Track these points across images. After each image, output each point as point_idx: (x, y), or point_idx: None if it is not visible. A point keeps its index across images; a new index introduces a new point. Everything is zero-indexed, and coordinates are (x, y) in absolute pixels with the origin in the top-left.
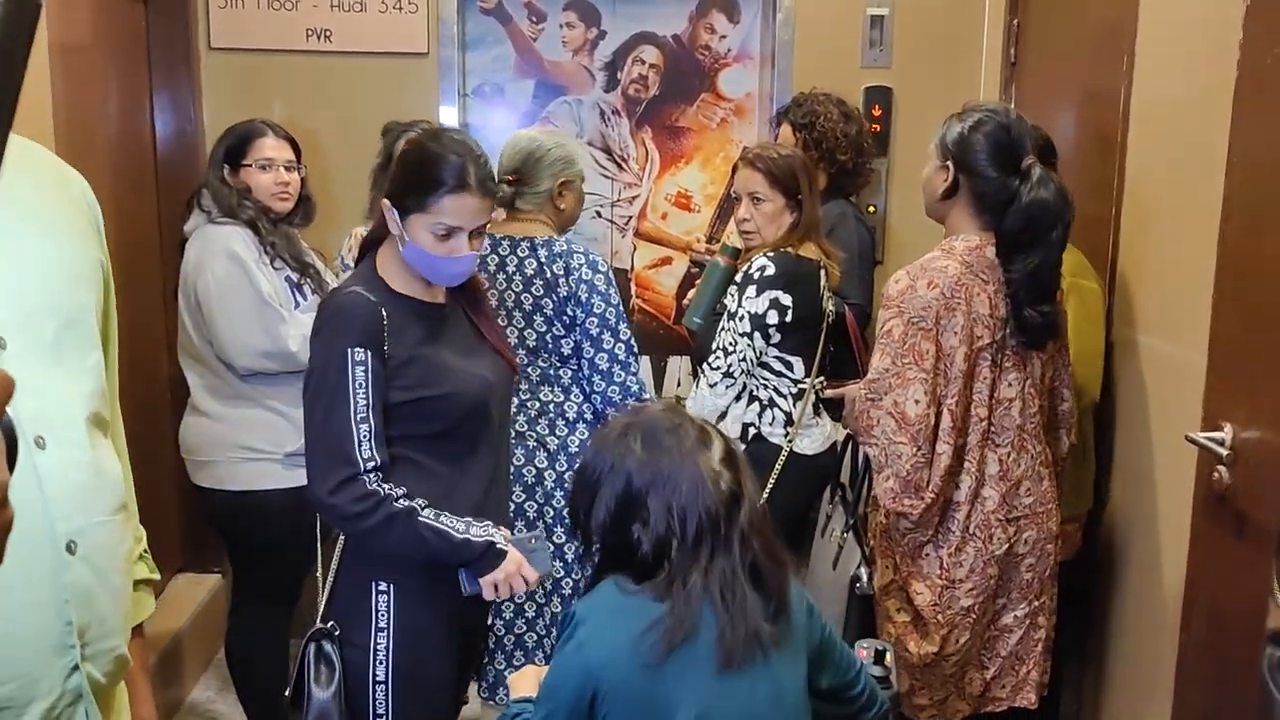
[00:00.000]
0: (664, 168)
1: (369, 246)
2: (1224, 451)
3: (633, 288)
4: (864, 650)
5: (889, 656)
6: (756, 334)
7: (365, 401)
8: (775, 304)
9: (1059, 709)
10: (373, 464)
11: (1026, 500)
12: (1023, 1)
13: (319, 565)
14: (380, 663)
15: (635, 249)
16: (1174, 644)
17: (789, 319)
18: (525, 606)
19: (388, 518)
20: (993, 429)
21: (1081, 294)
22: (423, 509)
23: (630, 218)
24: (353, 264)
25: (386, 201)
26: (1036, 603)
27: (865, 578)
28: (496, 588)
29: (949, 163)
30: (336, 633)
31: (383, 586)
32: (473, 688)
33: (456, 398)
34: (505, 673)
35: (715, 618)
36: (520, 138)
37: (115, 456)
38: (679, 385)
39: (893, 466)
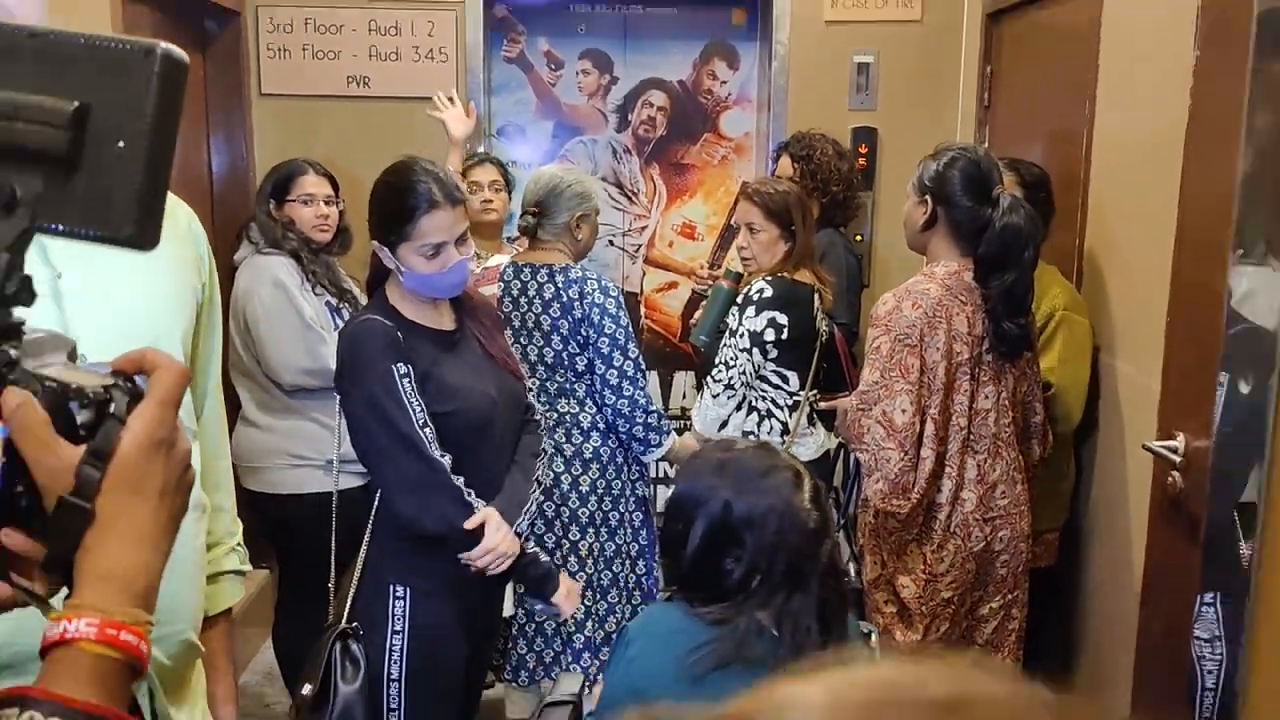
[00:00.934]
0: (671, 200)
1: (373, 285)
2: (1177, 459)
3: (642, 309)
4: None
5: (874, 638)
6: (755, 350)
7: (420, 408)
8: (772, 323)
9: None
10: (448, 461)
11: (1001, 502)
12: (995, 50)
13: (331, 570)
14: (395, 662)
15: (645, 274)
16: (1134, 635)
17: (784, 337)
18: None
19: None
20: (972, 437)
21: (1072, 327)
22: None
23: (640, 246)
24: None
25: (375, 243)
26: (1010, 596)
27: (853, 573)
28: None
29: (927, 197)
30: (362, 633)
31: (399, 592)
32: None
33: (461, 415)
34: (527, 657)
35: (776, 649)
36: (543, 174)
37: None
38: (684, 397)
39: (881, 470)
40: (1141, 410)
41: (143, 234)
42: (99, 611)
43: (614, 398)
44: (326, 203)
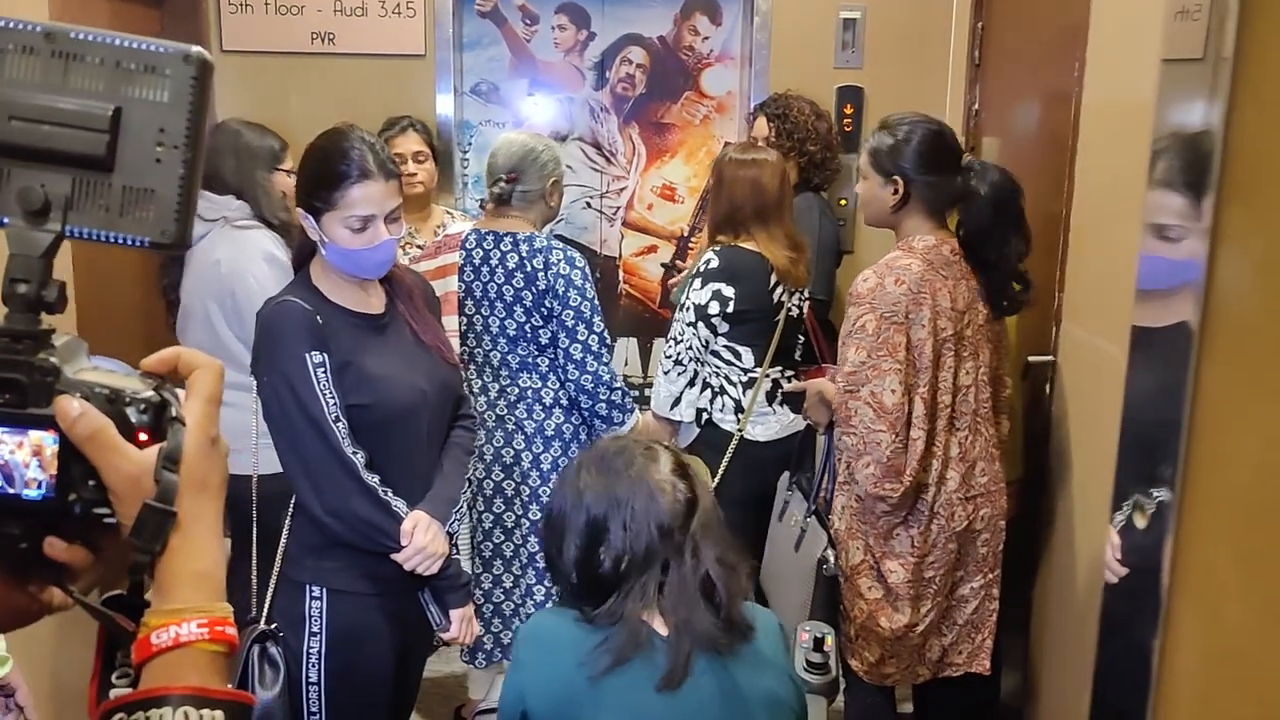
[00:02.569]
0: (650, 161)
1: (300, 262)
2: None
3: (620, 274)
4: (805, 634)
5: (829, 640)
6: (700, 324)
7: (334, 401)
8: (717, 295)
9: (999, 675)
10: (361, 458)
11: (981, 480)
12: (987, 6)
13: (253, 566)
14: (313, 665)
15: (623, 238)
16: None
17: (730, 310)
18: (503, 578)
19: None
20: (955, 414)
21: None
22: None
23: (618, 208)
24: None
25: (300, 210)
26: (991, 575)
27: (831, 559)
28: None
29: (896, 177)
30: (281, 634)
31: (315, 592)
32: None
33: (381, 407)
34: (484, 639)
35: (663, 631)
36: (514, 140)
37: None
38: None
39: (872, 453)
40: (1120, 393)
41: (183, 235)
42: (203, 612)
43: (577, 373)
44: None
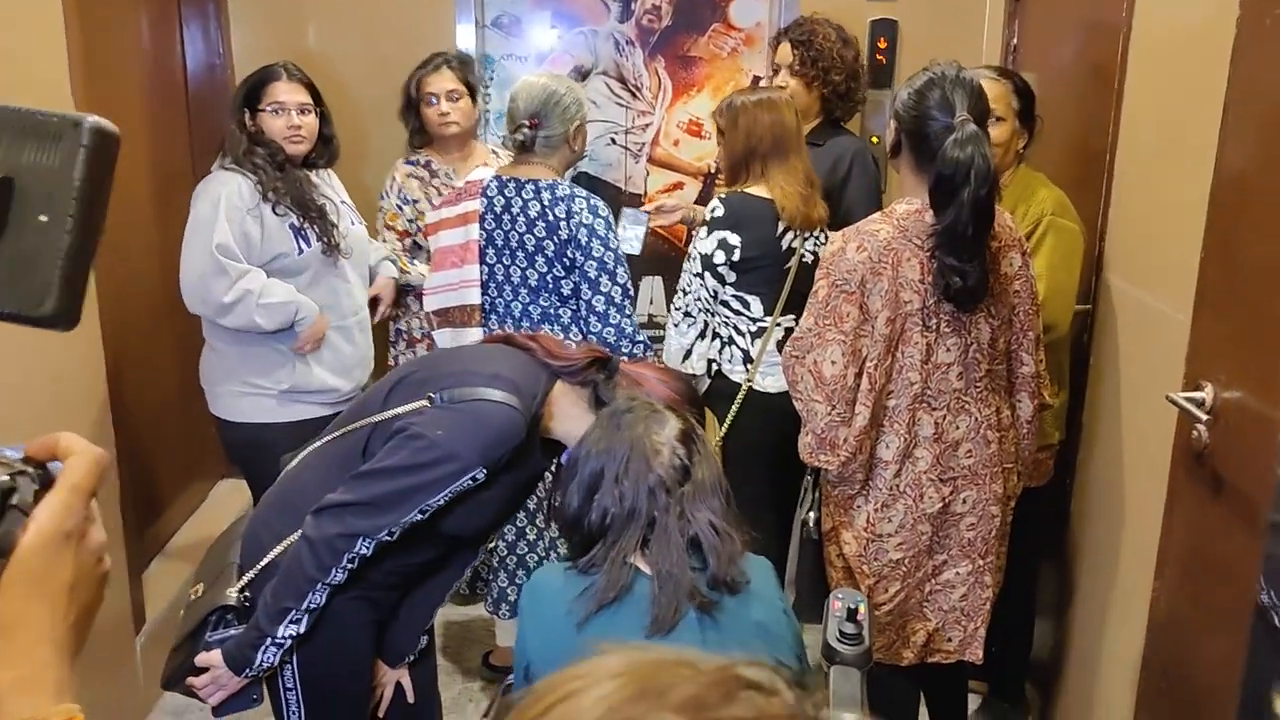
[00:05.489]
0: (676, 96)
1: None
2: (1203, 415)
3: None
4: (838, 603)
5: (862, 609)
6: (707, 274)
7: (426, 509)
8: (723, 244)
9: (1030, 650)
10: (368, 547)
11: (966, 462)
12: None
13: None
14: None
15: (648, 174)
16: (1146, 594)
17: (736, 258)
18: (526, 530)
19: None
20: (929, 392)
21: (1059, 232)
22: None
23: (644, 144)
24: (400, 203)
25: None
26: (982, 561)
27: (812, 522)
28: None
29: (892, 120)
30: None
31: None
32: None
33: (450, 530)
34: (508, 590)
35: (647, 583)
36: (534, 84)
37: None
38: None
39: (810, 423)
40: (1165, 351)
41: (64, 311)
42: None
43: (600, 325)
44: (301, 111)
